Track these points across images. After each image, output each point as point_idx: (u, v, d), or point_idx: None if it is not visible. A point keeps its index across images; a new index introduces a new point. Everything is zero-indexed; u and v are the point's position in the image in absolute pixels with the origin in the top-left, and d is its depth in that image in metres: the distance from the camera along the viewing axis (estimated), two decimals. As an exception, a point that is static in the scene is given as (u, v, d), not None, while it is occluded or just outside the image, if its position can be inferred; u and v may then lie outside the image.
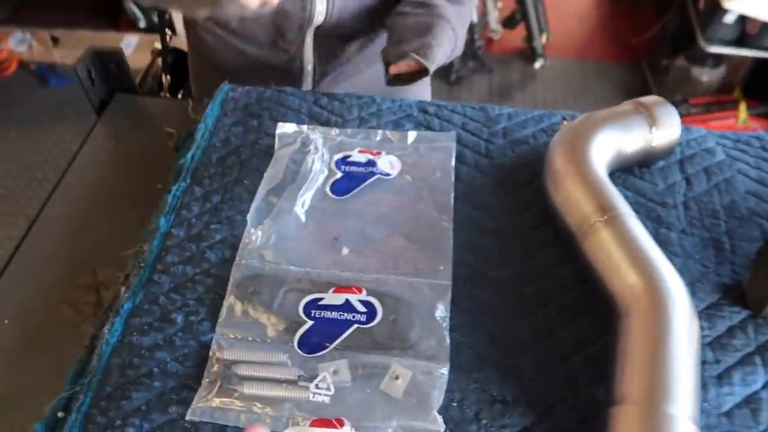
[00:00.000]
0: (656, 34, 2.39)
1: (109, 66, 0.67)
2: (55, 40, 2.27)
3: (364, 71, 0.81)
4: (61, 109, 2.13)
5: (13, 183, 1.90)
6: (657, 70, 2.30)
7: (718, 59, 2.09)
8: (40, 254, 0.57)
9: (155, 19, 2.20)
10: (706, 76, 2.15)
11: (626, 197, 0.51)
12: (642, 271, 0.44)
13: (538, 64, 2.35)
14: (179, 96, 0.93)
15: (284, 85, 0.69)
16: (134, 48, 2.21)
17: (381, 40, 0.80)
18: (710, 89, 2.19)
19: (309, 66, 0.77)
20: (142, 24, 2.24)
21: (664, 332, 0.41)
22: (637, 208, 0.51)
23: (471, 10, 0.75)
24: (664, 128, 0.55)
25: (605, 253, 0.46)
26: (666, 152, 0.57)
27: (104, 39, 2.25)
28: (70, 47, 2.26)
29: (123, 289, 0.49)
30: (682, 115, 0.57)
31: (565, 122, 0.60)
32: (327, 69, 0.78)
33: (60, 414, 0.43)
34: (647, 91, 2.25)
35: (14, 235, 1.78)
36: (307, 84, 0.79)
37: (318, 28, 0.73)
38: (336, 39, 0.75)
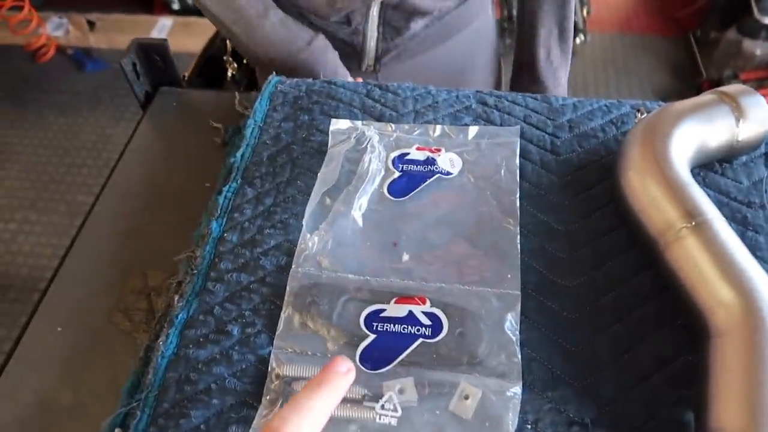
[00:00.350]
0: (705, 5, 2.28)
1: (153, 59, 0.64)
2: (91, 24, 2.27)
3: (429, 51, 0.77)
4: (97, 94, 2.14)
5: (52, 169, 1.92)
6: (705, 44, 2.20)
7: (774, 32, 1.98)
8: (91, 256, 0.55)
9: (189, 1, 2.18)
10: (760, 49, 2.04)
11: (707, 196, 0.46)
12: (738, 287, 0.40)
13: (578, 40, 2.27)
14: (244, 62, 0.90)
15: (346, 60, 0.65)
16: (168, 30, 2.21)
17: (448, 19, 0.76)
18: (763, 63, 2.08)
19: (372, 41, 0.74)
20: (176, 6, 2.23)
21: (766, 356, 0.37)
22: (719, 209, 0.46)
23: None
24: (753, 121, 0.50)
25: (693, 264, 0.42)
26: (752, 147, 0.52)
27: (139, 22, 2.25)
28: (105, 31, 2.26)
29: (176, 297, 0.47)
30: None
31: (637, 114, 0.56)
32: (390, 45, 0.75)
33: (117, 430, 0.41)
34: (694, 66, 2.16)
35: (56, 221, 1.81)
36: (369, 60, 0.76)
37: (383, 2, 0.70)
38: (402, 14, 0.71)
